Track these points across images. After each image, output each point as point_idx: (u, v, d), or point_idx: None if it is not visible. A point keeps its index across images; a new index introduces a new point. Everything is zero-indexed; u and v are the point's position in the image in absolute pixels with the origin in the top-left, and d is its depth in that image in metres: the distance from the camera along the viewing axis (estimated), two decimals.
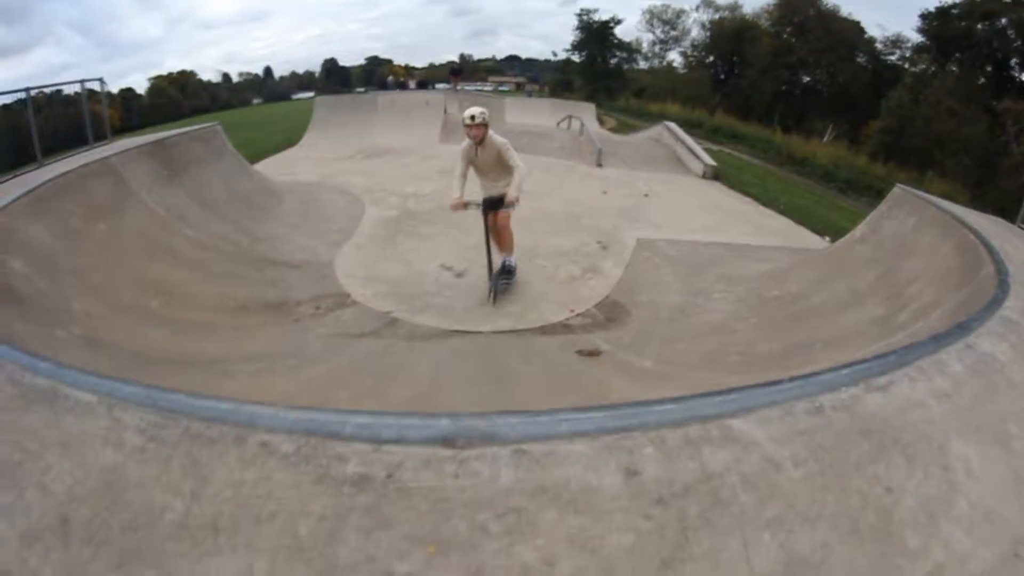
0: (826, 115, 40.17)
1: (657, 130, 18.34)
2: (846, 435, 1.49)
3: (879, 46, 42.93)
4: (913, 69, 37.39)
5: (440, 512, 1.28)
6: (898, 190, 5.63)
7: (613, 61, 53.91)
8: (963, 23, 33.86)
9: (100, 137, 10.71)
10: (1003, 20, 32.84)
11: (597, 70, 52.65)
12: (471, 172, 5.50)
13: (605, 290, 5.90)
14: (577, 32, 53.43)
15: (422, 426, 1.44)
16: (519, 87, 53.14)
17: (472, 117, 5.18)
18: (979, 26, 33.14)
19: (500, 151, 5.31)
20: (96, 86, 11.10)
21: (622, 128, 26.62)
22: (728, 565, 1.24)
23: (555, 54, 57.12)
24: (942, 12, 34.99)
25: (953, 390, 1.75)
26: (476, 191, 5.59)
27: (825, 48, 42.58)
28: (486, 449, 1.37)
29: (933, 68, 35.57)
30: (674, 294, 5.89)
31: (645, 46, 54.70)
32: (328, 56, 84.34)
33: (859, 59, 43.14)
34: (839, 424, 1.52)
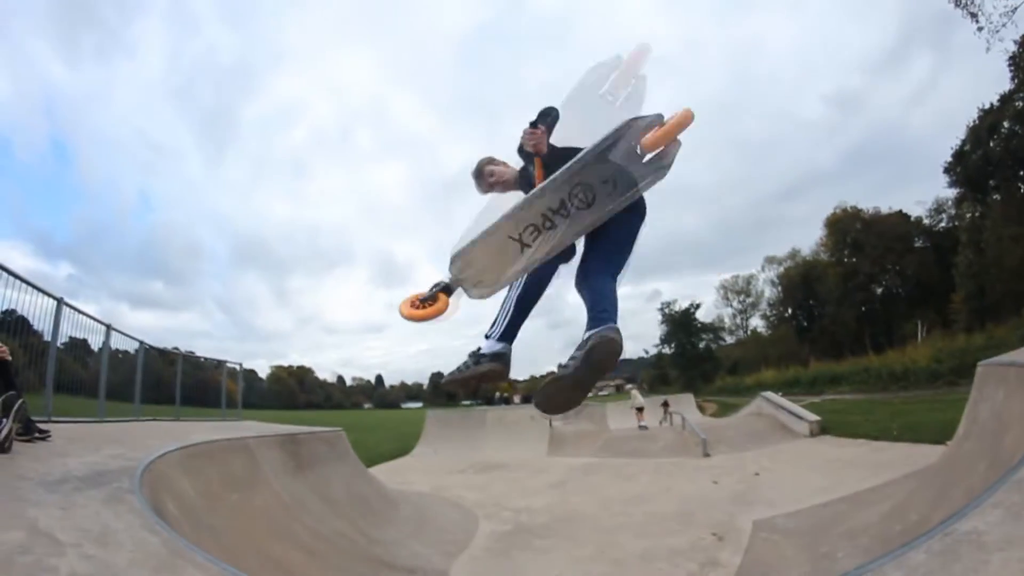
0: (913, 314, 39.10)
1: (756, 404, 18.81)
2: None
3: (927, 221, 42.77)
4: (963, 224, 36.42)
5: None
6: (980, 369, 5.34)
7: (701, 345, 55.47)
8: (978, 152, 32.88)
9: (231, 406, 13.14)
10: (1005, 125, 31.68)
11: (689, 357, 54.08)
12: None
13: None
14: (663, 326, 55.99)
15: None
16: (618, 389, 54.09)
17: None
18: (991, 144, 32.06)
19: None
20: (236, 367, 14.56)
21: (724, 410, 26.29)
22: None
23: (647, 352, 59.41)
24: (958, 155, 34.57)
25: None
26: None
27: (884, 251, 42.48)
28: None
29: (979, 210, 34.36)
30: (798, 566, 5.57)
31: (727, 321, 57.20)
32: (435, 369, 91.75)
33: (917, 243, 42.65)
34: None
